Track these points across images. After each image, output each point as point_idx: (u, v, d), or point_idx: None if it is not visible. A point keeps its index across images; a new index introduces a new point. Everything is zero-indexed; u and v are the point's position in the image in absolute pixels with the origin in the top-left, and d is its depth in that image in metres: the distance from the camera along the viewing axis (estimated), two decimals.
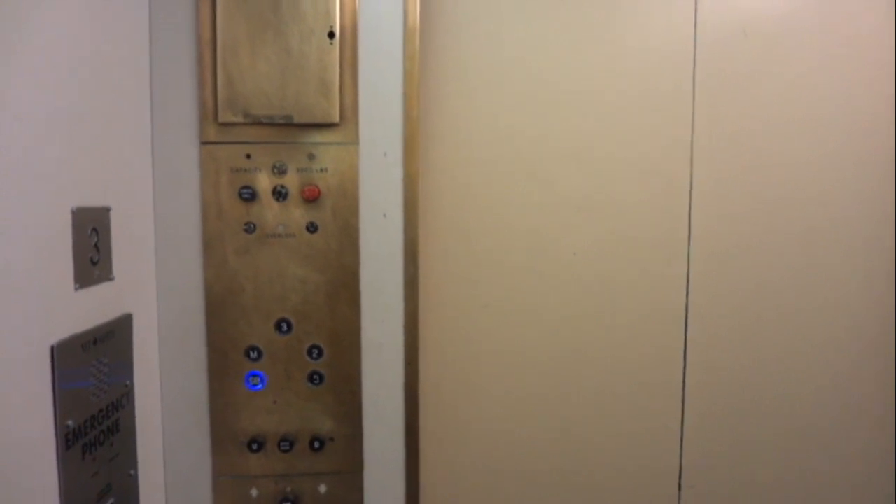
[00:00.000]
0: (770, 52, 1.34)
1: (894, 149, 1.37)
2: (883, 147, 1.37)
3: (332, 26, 1.09)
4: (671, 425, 1.40)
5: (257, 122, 1.10)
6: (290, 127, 1.11)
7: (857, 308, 1.40)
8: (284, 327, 1.13)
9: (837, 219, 1.38)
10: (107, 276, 0.93)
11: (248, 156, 1.11)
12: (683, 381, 1.39)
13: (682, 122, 1.34)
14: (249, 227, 1.11)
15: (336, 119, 1.11)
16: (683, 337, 1.38)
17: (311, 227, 1.12)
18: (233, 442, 1.15)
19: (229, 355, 1.13)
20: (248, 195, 1.10)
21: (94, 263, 0.89)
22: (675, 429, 1.40)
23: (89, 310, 0.88)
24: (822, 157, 1.36)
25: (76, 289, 0.85)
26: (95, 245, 0.89)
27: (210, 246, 1.11)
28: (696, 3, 1.32)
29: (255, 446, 1.14)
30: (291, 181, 1.11)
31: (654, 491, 1.42)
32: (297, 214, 1.12)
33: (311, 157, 1.12)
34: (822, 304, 1.39)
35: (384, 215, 1.15)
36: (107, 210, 0.93)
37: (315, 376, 1.14)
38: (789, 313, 1.39)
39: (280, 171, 1.11)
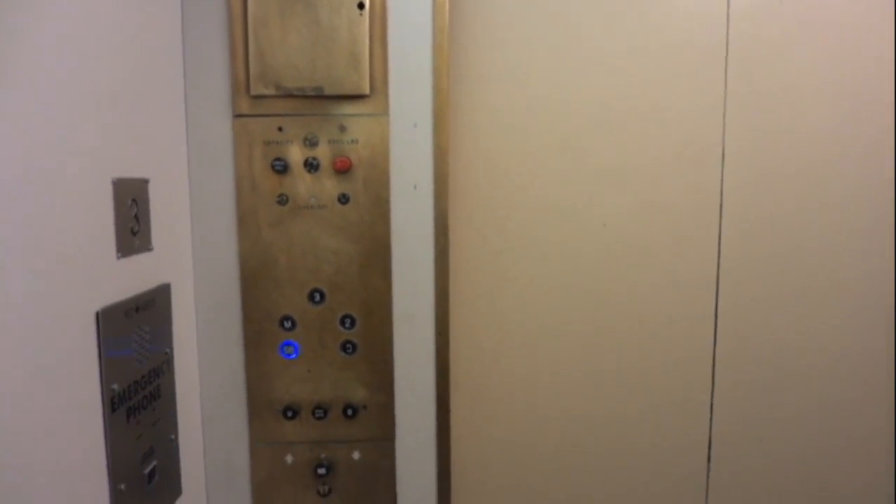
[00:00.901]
0: (803, 19, 1.31)
1: None
2: None
3: None
4: (701, 398, 1.40)
5: (289, 95, 1.11)
6: (321, 99, 1.12)
7: (890, 280, 1.38)
8: (317, 297, 1.15)
9: (870, 187, 1.35)
10: (146, 246, 0.95)
11: (280, 128, 1.12)
12: (714, 353, 1.38)
13: (714, 89, 1.32)
14: (282, 199, 1.13)
15: (366, 90, 1.11)
16: (714, 308, 1.37)
17: (343, 199, 1.14)
18: (268, 409, 1.18)
19: (264, 325, 1.16)
20: (281, 167, 1.12)
21: (134, 234, 0.91)
22: (705, 401, 1.40)
23: (131, 278, 0.91)
24: (854, 125, 1.33)
25: (118, 258, 0.87)
26: (135, 216, 0.92)
27: (244, 218, 1.13)
28: None
29: (290, 413, 1.17)
30: (323, 153, 1.13)
31: (682, 463, 1.42)
32: (329, 186, 1.13)
33: (342, 128, 1.12)
34: (855, 276, 1.37)
35: (415, 187, 1.15)
36: (145, 182, 0.95)
37: (348, 345, 1.16)
38: (822, 283, 1.37)
39: (312, 143, 1.12)
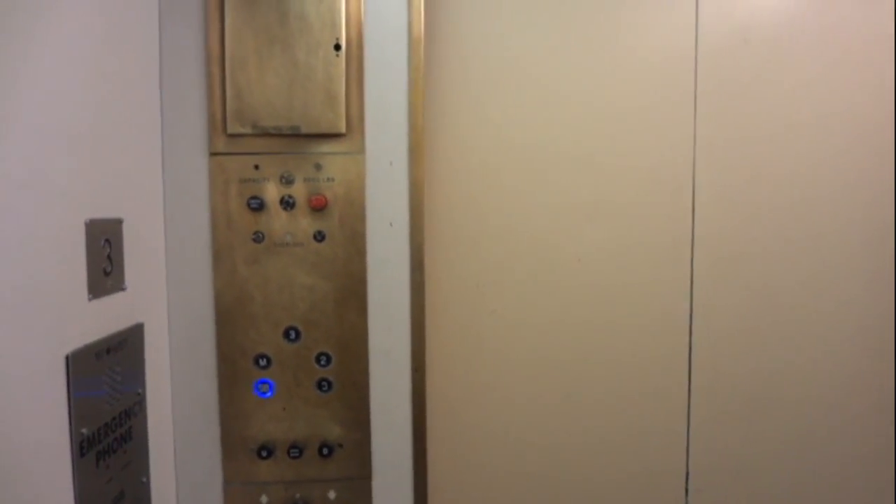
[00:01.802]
0: (771, 59, 1.35)
1: (895, 154, 1.37)
2: (884, 152, 1.37)
3: (337, 39, 1.11)
4: (677, 429, 1.41)
5: (265, 134, 1.12)
6: (298, 137, 1.13)
7: (861, 311, 1.40)
8: (293, 335, 1.15)
9: (839, 223, 1.38)
10: (119, 286, 0.95)
11: (257, 167, 1.13)
12: (689, 385, 1.40)
13: (684, 128, 1.35)
14: (258, 237, 1.13)
15: (342, 129, 1.13)
16: (688, 341, 1.39)
17: (319, 236, 1.14)
18: (243, 449, 1.16)
19: (239, 363, 1.15)
20: (257, 205, 1.12)
21: (106, 274, 0.91)
22: (682, 432, 1.41)
23: (102, 319, 0.90)
24: (823, 162, 1.37)
25: (90, 299, 0.87)
26: (108, 256, 0.91)
27: (220, 256, 1.13)
28: (697, 12, 1.34)
29: (264, 453, 1.15)
30: (299, 191, 1.13)
31: (661, 495, 1.42)
32: (305, 224, 1.14)
33: (318, 167, 1.13)
34: (825, 308, 1.40)
35: (390, 224, 1.16)
36: (119, 221, 0.95)
37: (323, 383, 1.16)
38: (792, 317, 1.40)
39: (288, 181, 1.13)
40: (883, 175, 1.38)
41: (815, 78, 1.36)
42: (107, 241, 0.91)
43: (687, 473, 1.42)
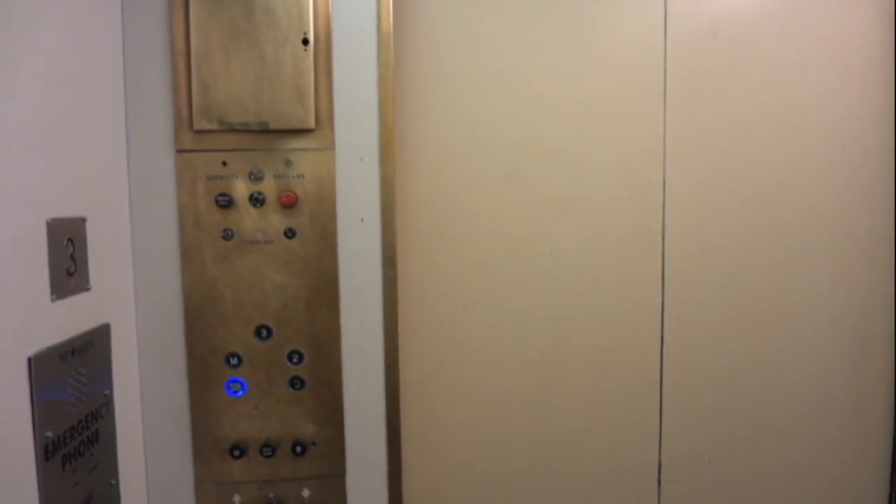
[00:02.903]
0: (739, 53, 1.37)
1: (864, 145, 1.40)
2: (852, 144, 1.40)
3: (305, 33, 1.10)
4: (650, 421, 1.42)
5: (233, 130, 1.10)
6: (266, 133, 1.11)
7: (832, 304, 1.43)
8: (264, 333, 1.14)
9: (809, 216, 1.41)
10: (84, 286, 0.93)
11: (225, 163, 1.11)
12: (661, 378, 1.41)
13: (654, 122, 1.36)
14: (227, 234, 1.12)
15: (312, 125, 1.11)
16: (660, 334, 1.40)
17: (290, 233, 1.13)
18: (215, 449, 1.15)
19: (209, 363, 1.13)
20: (226, 202, 1.11)
21: (70, 274, 0.89)
22: (654, 424, 1.42)
23: (66, 320, 0.88)
24: (792, 155, 1.39)
25: (53, 300, 0.85)
26: (71, 255, 0.89)
27: (188, 254, 1.12)
28: (665, 7, 1.35)
29: (237, 452, 1.14)
30: (268, 187, 1.12)
31: (634, 485, 1.44)
32: (275, 221, 1.13)
33: (288, 163, 1.12)
34: (796, 300, 1.42)
35: (362, 220, 1.16)
36: (82, 220, 0.93)
37: (296, 381, 1.15)
38: (764, 310, 1.42)
39: (257, 177, 1.12)
40: (851, 168, 1.41)
41: (782, 72, 1.38)
42: (69, 240, 0.89)
43: (659, 464, 1.44)
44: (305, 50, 1.10)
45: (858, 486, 1.48)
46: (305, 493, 1.17)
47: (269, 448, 1.15)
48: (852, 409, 1.46)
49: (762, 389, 1.43)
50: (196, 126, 1.09)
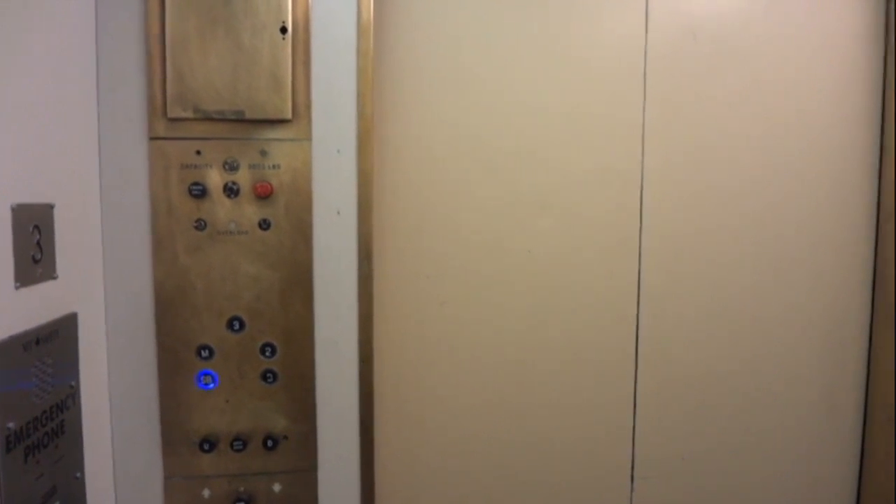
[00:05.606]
0: (718, 54, 1.38)
1: (843, 147, 1.42)
2: (831, 145, 1.41)
3: (284, 21, 1.08)
4: (623, 419, 1.43)
5: (208, 118, 1.08)
6: (242, 123, 1.10)
7: (809, 307, 1.45)
8: (237, 325, 1.12)
9: (787, 219, 1.42)
10: (50, 274, 0.91)
11: (199, 152, 1.09)
12: (635, 376, 1.42)
13: (633, 122, 1.36)
14: (200, 225, 1.10)
15: (288, 115, 1.10)
16: (635, 332, 1.41)
17: (264, 225, 1.11)
18: (184, 442, 1.13)
19: (180, 354, 1.12)
20: (199, 192, 1.09)
21: (35, 262, 0.87)
22: (628, 423, 1.43)
23: (31, 309, 0.86)
24: (770, 157, 1.40)
25: (17, 287, 0.83)
26: (38, 243, 0.87)
27: (160, 244, 1.10)
28: (646, 8, 1.35)
29: (207, 446, 1.13)
30: (243, 178, 1.10)
31: (607, 483, 1.44)
32: (250, 211, 1.11)
33: (264, 153, 1.11)
34: (771, 300, 1.43)
35: (338, 212, 1.14)
36: (50, 207, 0.91)
37: (268, 374, 1.14)
38: (740, 309, 1.43)
39: (231, 167, 1.10)
40: (830, 169, 1.42)
41: (762, 73, 1.39)
42: (36, 227, 0.87)
43: (633, 461, 1.44)
44: (283, 38, 1.09)
45: (828, 483, 1.50)
46: (276, 487, 1.16)
47: (240, 442, 1.13)
48: (824, 408, 1.47)
49: (736, 388, 1.45)
50: (170, 113, 1.07)
